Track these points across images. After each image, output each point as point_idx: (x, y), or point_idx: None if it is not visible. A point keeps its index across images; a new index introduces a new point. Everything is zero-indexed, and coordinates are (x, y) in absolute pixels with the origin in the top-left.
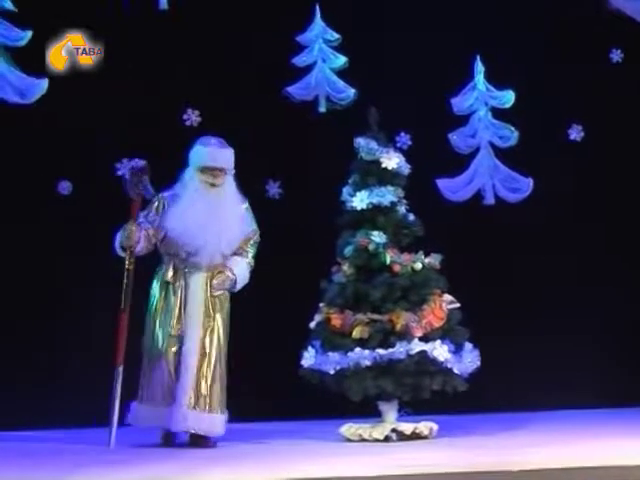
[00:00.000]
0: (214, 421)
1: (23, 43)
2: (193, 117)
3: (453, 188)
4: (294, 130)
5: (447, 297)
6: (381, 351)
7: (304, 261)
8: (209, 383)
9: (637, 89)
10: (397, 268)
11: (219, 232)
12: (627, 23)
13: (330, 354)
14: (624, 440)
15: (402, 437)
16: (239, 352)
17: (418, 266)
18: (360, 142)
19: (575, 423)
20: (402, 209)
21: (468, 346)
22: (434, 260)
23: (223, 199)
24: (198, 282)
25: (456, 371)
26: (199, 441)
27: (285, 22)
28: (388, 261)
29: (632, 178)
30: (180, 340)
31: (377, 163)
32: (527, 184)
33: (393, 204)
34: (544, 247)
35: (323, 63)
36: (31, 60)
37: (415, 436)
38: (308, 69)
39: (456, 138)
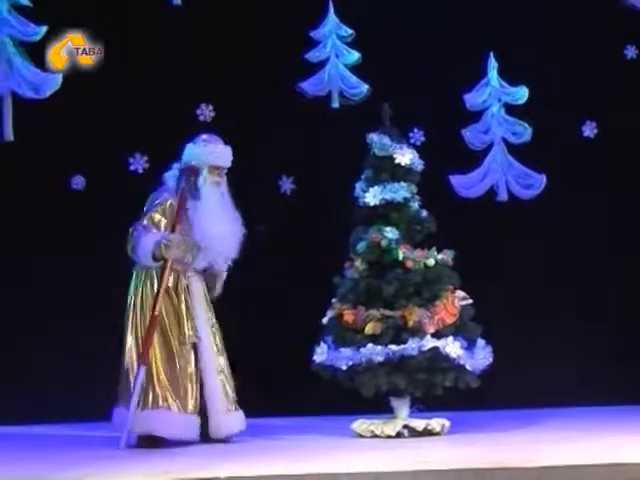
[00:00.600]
0: (240, 418)
1: (38, 38)
2: (207, 112)
3: (466, 184)
4: (307, 126)
5: (460, 293)
6: (393, 347)
7: (317, 257)
8: (229, 381)
9: None
10: (410, 264)
11: (235, 235)
12: None
13: (342, 350)
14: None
15: (414, 433)
16: (252, 348)
17: (431, 262)
18: (373, 138)
19: (590, 420)
20: (415, 205)
21: (480, 342)
22: (447, 256)
23: (225, 199)
24: (197, 283)
25: (468, 367)
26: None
27: (298, 18)
28: (401, 257)
29: None
30: (194, 346)
31: (390, 159)
32: (540, 180)
33: (406, 200)
34: (557, 243)
35: (336, 59)
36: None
37: (427, 432)
38: (321, 65)
39: (469, 134)
